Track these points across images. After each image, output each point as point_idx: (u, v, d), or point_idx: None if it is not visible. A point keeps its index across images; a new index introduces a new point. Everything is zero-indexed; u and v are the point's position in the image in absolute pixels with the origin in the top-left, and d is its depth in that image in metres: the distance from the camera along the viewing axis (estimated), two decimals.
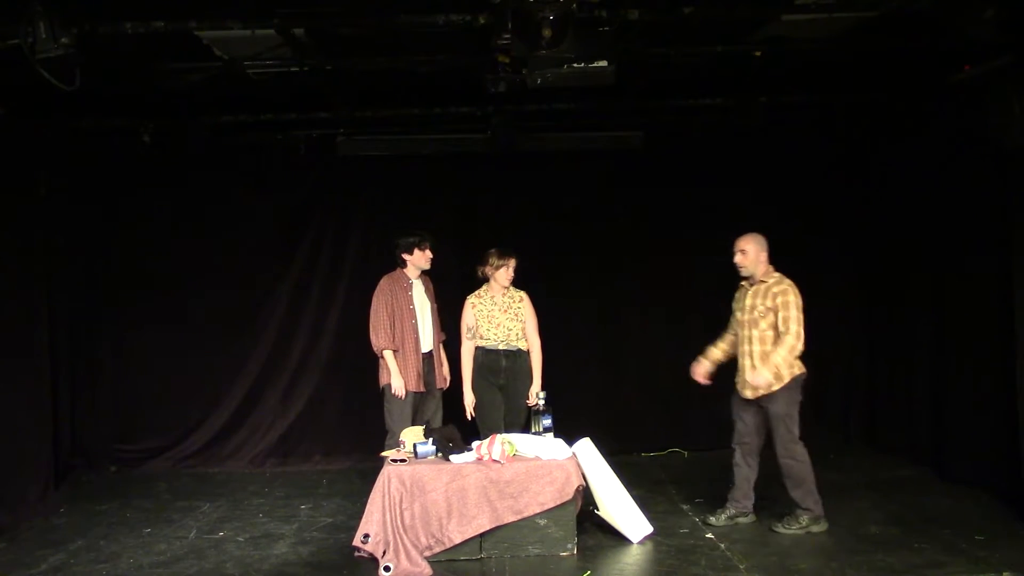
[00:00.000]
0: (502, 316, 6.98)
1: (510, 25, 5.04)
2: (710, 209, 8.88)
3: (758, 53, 6.51)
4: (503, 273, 6.96)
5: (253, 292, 8.78)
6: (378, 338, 7.00)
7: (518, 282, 7.10)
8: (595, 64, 5.63)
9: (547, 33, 4.83)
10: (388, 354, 6.99)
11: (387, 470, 5.88)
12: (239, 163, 8.79)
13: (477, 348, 7.04)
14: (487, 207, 8.86)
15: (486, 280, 7.07)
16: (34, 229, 7.45)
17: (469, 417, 7.04)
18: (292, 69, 6.48)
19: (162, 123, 7.83)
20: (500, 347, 6.99)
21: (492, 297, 7.03)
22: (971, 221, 7.07)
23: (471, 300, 7.09)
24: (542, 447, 6.09)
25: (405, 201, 8.71)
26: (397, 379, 6.96)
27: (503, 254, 6.98)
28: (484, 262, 7.02)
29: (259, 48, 6.07)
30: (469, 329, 7.05)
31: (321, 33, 5.99)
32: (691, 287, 8.90)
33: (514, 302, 7.03)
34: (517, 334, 6.99)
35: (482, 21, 5.40)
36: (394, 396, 6.97)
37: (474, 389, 7.05)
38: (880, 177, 8.44)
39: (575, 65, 5.54)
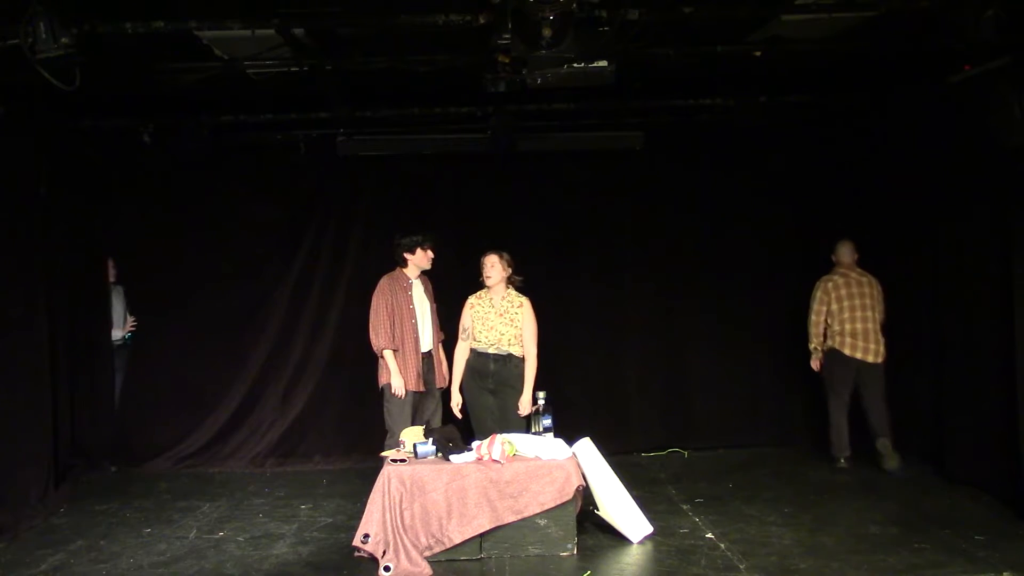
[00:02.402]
0: (496, 320, 6.96)
1: (510, 25, 5.04)
2: (710, 208, 8.91)
3: (758, 53, 6.50)
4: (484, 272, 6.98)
5: (253, 292, 8.78)
6: (378, 338, 7.00)
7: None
8: (595, 64, 5.63)
9: (547, 33, 4.83)
10: (388, 354, 6.99)
11: (387, 470, 5.88)
12: (239, 163, 8.79)
13: (471, 350, 7.05)
14: (486, 207, 8.85)
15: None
16: (33, 228, 7.43)
17: (458, 415, 7.04)
18: (292, 69, 6.48)
19: (162, 123, 7.83)
20: (490, 351, 6.96)
21: (491, 300, 7.02)
22: (971, 221, 7.06)
23: (471, 300, 7.08)
24: (542, 447, 6.09)
25: (405, 201, 8.71)
26: (397, 379, 6.96)
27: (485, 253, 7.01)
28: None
29: (259, 48, 6.08)
30: (464, 329, 7.06)
31: (321, 33, 6.00)
32: (691, 287, 8.92)
33: (512, 307, 7.00)
34: (509, 339, 6.94)
35: (482, 21, 5.40)
36: (394, 396, 6.97)
37: (463, 390, 7.05)
38: (880, 178, 8.43)
39: (575, 65, 5.54)
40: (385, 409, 7.07)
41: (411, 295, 7.13)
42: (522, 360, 6.96)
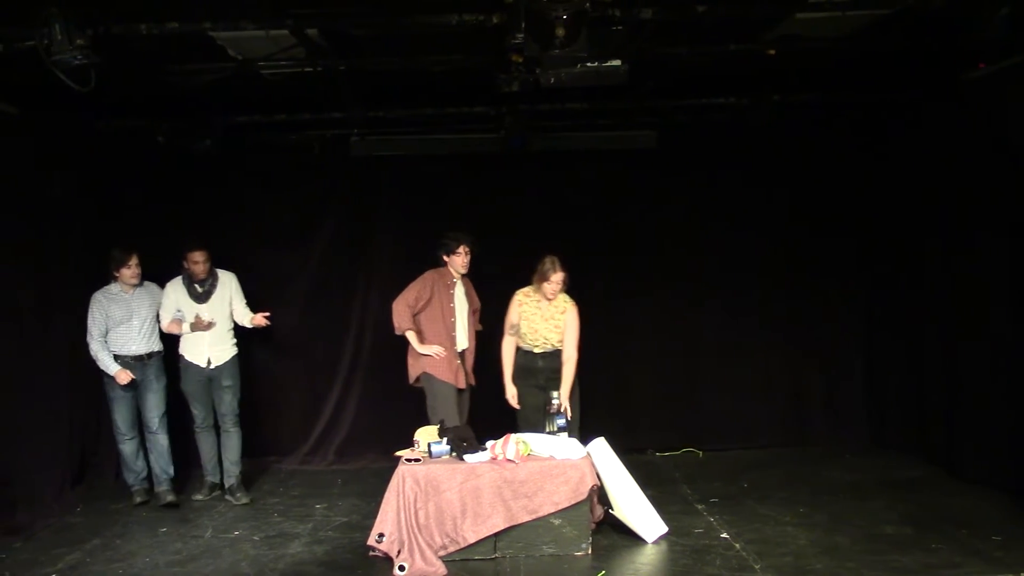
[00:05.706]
0: (541, 323, 6.91)
1: (523, 25, 5.03)
2: (723, 208, 8.88)
3: (771, 52, 6.49)
4: (547, 287, 6.85)
5: (268, 294, 8.75)
6: (399, 319, 7.04)
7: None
8: (608, 63, 5.63)
9: (560, 32, 4.83)
10: (410, 335, 7.04)
11: (401, 470, 5.90)
12: (253, 164, 8.79)
13: (517, 348, 7.02)
14: (500, 207, 8.82)
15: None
16: (49, 229, 7.48)
17: (516, 406, 6.96)
18: (306, 69, 6.49)
19: (176, 123, 7.84)
20: (535, 350, 6.96)
21: (538, 301, 6.96)
22: (983, 220, 7.03)
23: (519, 297, 7.01)
24: (556, 447, 6.09)
25: (418, 201, 8.71)
26: (429, 348, 7.01)
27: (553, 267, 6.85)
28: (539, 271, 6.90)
29: (273, 48, 6.09)
30: (512, 326, 6.99)
31: (335, 33, 6.00)
32: (705, 286, 8.90)
33: (557, 312, 6.92)
34: (554, 342, 6.92)
35: (495, 21, 5.40)
36: (433, 378, 7.02)
37: (515, 385, 7.01)
38: (892, 176, 8.39)
39: (588, 64, 5.53)
40: (429, 407, 7.09)
41: (453, 293, 7.19)
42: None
